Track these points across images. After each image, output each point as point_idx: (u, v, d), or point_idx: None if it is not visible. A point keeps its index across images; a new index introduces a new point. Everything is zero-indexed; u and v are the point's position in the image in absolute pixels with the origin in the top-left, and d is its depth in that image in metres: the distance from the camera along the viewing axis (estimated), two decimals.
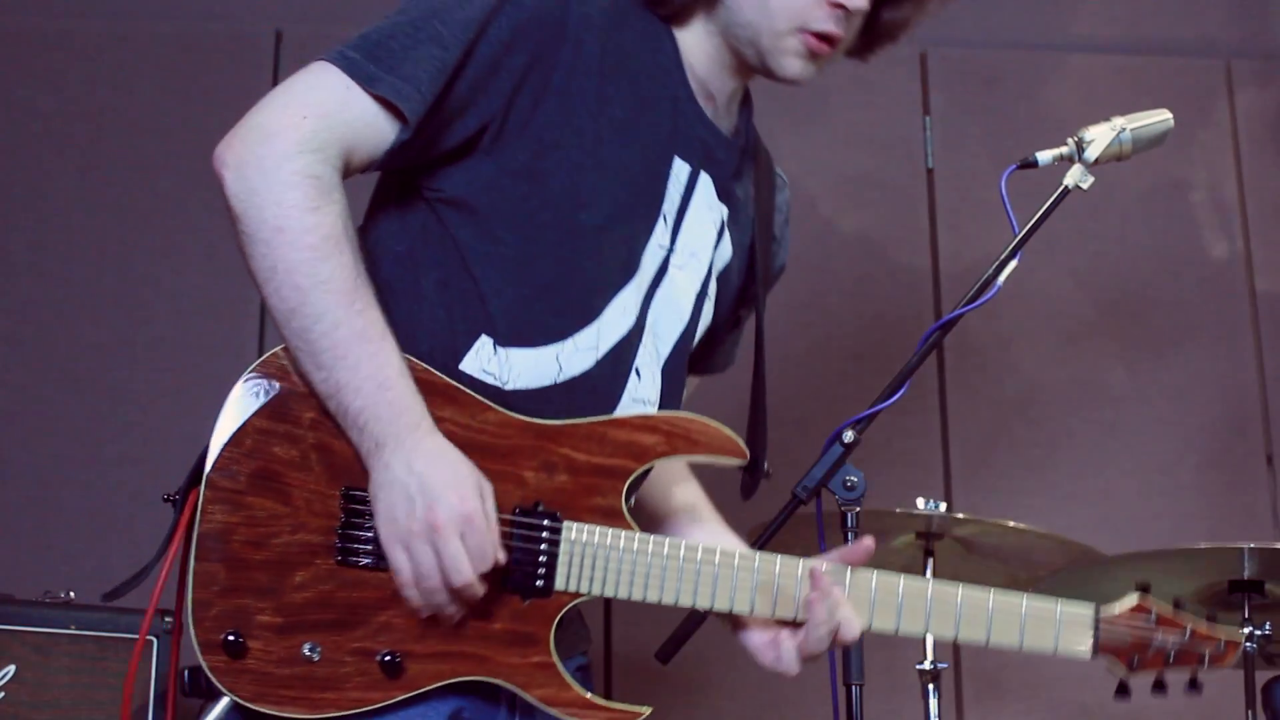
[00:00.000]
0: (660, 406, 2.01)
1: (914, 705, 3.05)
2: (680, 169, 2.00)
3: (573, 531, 1.85)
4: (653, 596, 1.87)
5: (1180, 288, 4.12)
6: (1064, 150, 2.31)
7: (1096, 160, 2.29)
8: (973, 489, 3.92)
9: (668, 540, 1.89)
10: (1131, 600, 1.99)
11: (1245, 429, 4.05)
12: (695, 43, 2.02)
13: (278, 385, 1.83)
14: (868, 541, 1.96)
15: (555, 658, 1.83)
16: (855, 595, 1.92)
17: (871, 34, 2.12)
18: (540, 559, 1.83)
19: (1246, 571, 2.86)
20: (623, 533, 1.86)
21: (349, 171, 1.85)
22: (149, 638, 3.05)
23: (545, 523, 1.84)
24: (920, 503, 3.03)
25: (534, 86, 1.88)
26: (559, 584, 1.84)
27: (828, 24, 1.97)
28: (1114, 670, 1.98)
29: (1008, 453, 4.00)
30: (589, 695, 1.84)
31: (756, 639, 1.98)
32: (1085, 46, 4.33)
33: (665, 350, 2.01)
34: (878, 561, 3.18)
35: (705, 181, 2.03)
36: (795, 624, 1.94)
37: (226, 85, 3.98)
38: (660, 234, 1.99)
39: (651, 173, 1.97)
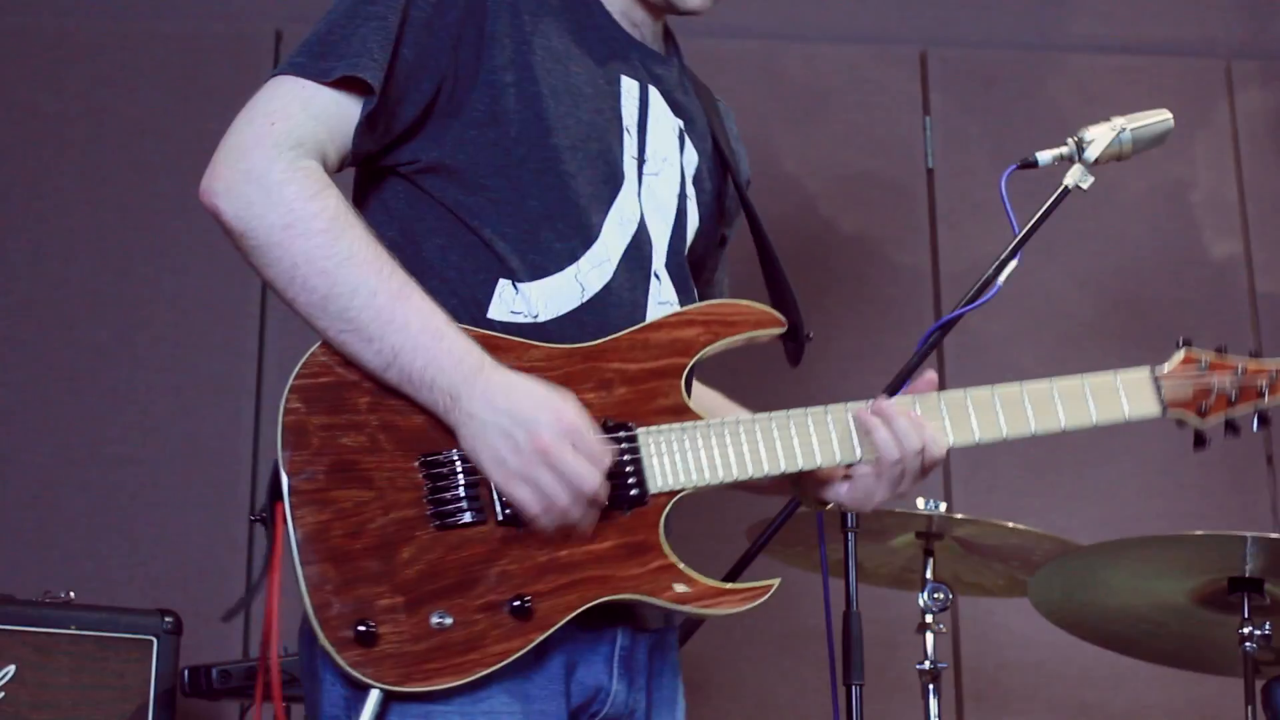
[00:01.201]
0: (680, 305, 2.05)
1: (914, 705, 3.05)
2: (629, 85, 2.06)
3: (649, 435, 1.89)
4: (744, 473, 1.92)
5: (1180, 288, 4.12)
6: (1064, 150, 2.31)
7: (1096, 160, 2.29)
8: (973, 489, 3.92)
9: (739, 420, 1.94)
10: (1180, 354, 2.10)
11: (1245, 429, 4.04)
12: None
13: (325, 381, 1.84)
14: (929, 375, 2.04)
15: (673, 558, 1.87)
16: (928, 416, 1.98)
17: None
18: (627, 469, 1.86)
19: (1248, 567, 2.86)
20: (696, 423, 1.91)
21: (328, 170, 1.89)
22: (149, 638, 3.05)
23: (620, 434, 1.87)
24: (920, 503, 3.03)
25: (472, 37, 1.94)
26: (653, 487, 1.88)
27: None
28: (1187, 421, 2.08)
29: (1008, 453, 3.99)
30: (719, 583, 1.88)
31: (840, 491, 2.02)
32: (1085, 46, 4.33)
33: (662, 255, 2.05)
34: (877, 559, 3.21)
35: (655, 94, 2.09)
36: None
37: (226, 85, 3.97)
38: (630, 146, 2.03)
39: (603, 92, 2.03)
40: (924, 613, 3.04)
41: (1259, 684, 2.86)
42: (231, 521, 3.76)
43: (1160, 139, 2.33)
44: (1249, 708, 2.83)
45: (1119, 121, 2.31)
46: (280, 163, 1.82)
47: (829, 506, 2.08)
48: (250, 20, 4.09)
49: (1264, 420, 2.13)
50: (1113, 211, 4.05)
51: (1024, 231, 2.28)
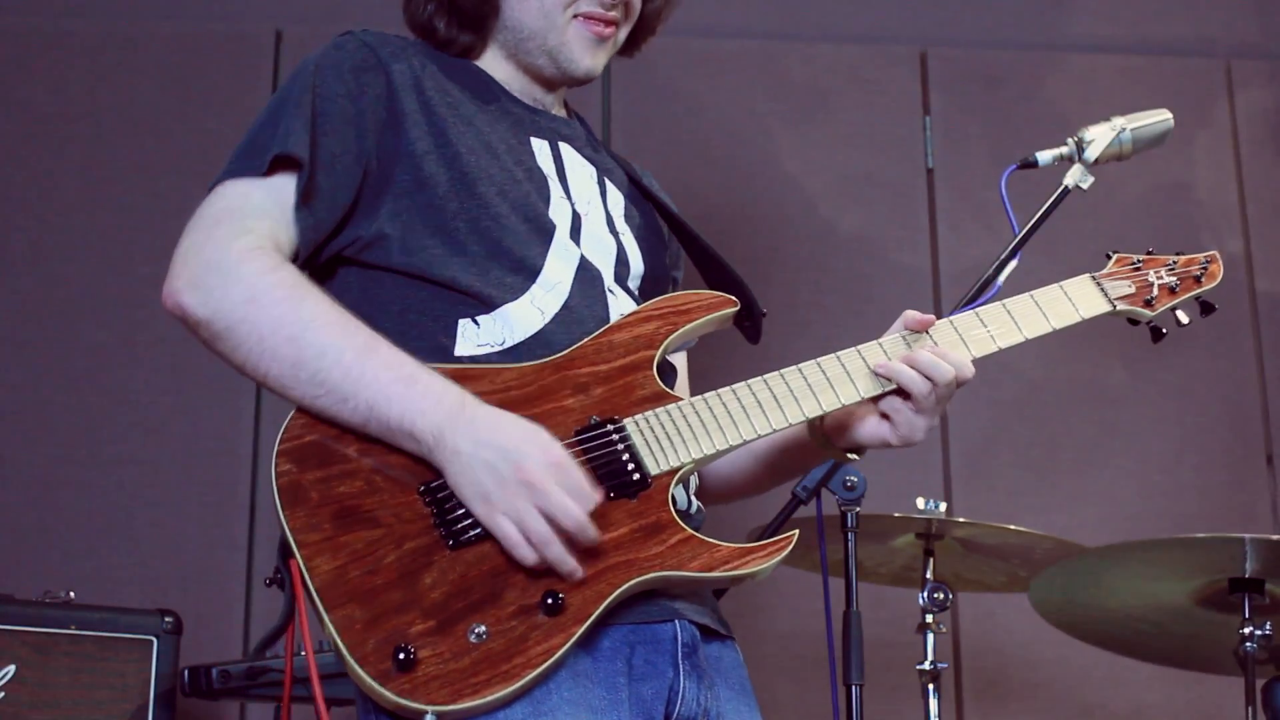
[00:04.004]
0: None
1: (914, 705, 3.05)
2: (539, 143, 2.13)
3: (635, 423, 1.92)
4: (736, 436, 1.95)
5: None
6: (1064, 150, 2.32)
7: (1096, 160, 2.29)
8: (973, 489, 3.92)
9: (719, 391, 1.97)
10: (1112, 259, 2.16)
11: (1245, 429, 4.05)
12: (498, 67, 2.17)
13: (310, 440, 1.86)
14: (917, 315, 2.09)
15: (688, 529, 1.88)
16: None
17: (635, 28, 2.24)
18: (624, 458, 1.89)
19: (1248, 568, 2.86)
20: (679, 403, 1.95)
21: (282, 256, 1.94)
22: (149, 638, 3.05)
23: (609, 428, 1.90)
24: (920, 503, 3.04)
25: (386, 118, 2.02)
26: (653, 469, 1.90)
27: (593, 5, 2.13)
28: (1138, 316, 2.14)
29: (1008, 453, 4.00)
30: (741, 545, 1.90)
31: (883, 430, 2.04)
32: (1085, 46, 4.33)
33: (610, 279, 2.09)
34: (877, 559, 3.21)
35: (566, 148, 2.16)
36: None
37: (226, 85, 3.98)
38: (555, 188, 2.09)
39: (516, 149, 2.09)
40: (924, 613, 3.04)
41: (1259, 684, 2.87)
42: (231, 521, 3.76)
43: (1160, 139, 2.33)
44: (1249, 708, 2.84)
45: (1119, 121, 2.31)
46: (234, 249, 1.89)
47: (863, 454, 2.10)
48: (250, 20, 4.09)
49: (1207, 308, 2.19)
50: (1113, 211, 4.05)
51: (1024, 231, 2.28)
